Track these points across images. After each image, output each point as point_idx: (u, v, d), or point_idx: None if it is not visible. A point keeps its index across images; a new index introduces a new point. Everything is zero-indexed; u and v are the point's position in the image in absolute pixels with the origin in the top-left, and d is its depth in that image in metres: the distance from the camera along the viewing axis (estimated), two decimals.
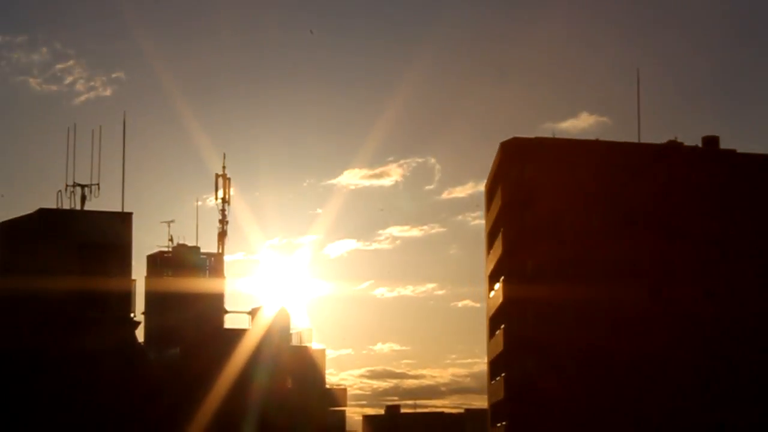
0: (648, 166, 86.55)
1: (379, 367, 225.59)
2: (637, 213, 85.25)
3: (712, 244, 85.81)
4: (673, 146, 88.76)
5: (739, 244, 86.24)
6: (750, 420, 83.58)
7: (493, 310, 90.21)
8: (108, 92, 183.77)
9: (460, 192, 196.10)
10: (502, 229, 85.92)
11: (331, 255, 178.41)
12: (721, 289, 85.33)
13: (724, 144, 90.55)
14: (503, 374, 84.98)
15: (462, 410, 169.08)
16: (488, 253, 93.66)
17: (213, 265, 63.07)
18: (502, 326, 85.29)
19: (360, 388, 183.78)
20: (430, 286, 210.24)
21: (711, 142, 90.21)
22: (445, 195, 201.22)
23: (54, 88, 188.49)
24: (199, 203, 64.42)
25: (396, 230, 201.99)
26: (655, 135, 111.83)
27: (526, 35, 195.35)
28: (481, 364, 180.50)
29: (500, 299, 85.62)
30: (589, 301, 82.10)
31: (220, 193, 64.07)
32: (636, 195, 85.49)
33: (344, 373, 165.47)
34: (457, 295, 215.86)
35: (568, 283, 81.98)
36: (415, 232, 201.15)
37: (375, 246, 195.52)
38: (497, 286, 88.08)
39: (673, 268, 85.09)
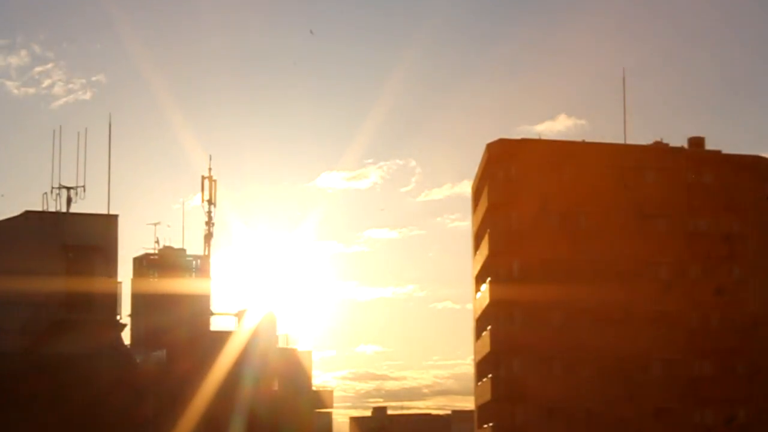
0: (634, 167, 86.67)
1: (361, 369, 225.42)
2: (622, 214, 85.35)
3: (696, 244, 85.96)
4: (659, 147, 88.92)
5: (723, 244, 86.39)
6: (737, 419, 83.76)
7: (479, 312, 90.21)
8: (88, 95, 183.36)
9: (437, 194, 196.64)
10: (488, 231, 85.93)
11: (311, 257, 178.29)
12: (705, 289, 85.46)
13: (710, 145, 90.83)
14: (490, 375, 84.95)
15: (448, 412, 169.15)
16: (475, 254, 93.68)
17: (199, 267, 62.84)
18: (489, 327, 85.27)
19: (344, 390, 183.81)
20: (411, 287, 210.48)
21: (696, 142, 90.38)
22: (422, 197, 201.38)
23: (32, 90, 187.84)
24: (177, 206, 64.49)
25: (375, 232, 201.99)
26: (638, 136, 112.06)
27: (504, 38, 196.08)
28: (463, 366, 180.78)
29: (487, 300, 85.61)
30: (575, 301, 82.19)
31: (206, 195, 63.80)
32: (622, 196, 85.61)
33: (328, 374, 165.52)
34: (437, 296, 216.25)
35: (554, 283, 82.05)
36: (395, 234, 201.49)
37: (355, 248, 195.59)
38: (484, 287, 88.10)
39: (658, 268, 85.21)
